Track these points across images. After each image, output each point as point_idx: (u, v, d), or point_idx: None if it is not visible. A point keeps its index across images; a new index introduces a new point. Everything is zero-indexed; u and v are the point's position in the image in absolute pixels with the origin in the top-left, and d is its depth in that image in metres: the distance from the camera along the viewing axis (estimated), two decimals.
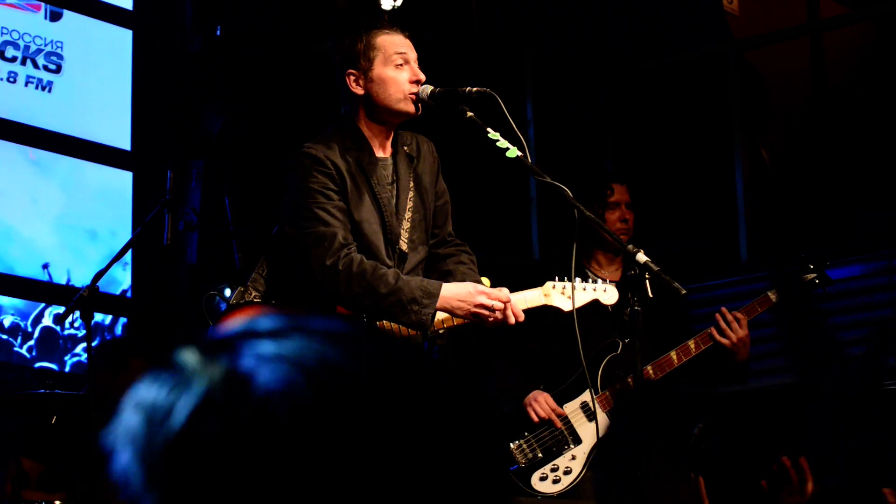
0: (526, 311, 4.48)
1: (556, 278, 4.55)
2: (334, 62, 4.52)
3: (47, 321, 7.80)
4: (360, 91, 4.45)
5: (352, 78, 4.46)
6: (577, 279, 4.56)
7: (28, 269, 7.79)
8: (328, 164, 4.38)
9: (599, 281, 4.65)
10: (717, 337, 5.56)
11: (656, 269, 4.11)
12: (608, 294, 4.77)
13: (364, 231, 4.38)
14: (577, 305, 4.54)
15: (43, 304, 7.82)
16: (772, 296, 5.65)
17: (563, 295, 4.53)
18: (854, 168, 8.57)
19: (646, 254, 4.20)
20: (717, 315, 5.59)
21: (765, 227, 7.99)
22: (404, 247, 4.47)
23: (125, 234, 7.95)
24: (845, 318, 7.28)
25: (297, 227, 4.35)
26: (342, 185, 4.38)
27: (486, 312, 4.27)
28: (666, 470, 5.69)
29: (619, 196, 5.88)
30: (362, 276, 4.24)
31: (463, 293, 4.29)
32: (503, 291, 4.43)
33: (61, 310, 7.62)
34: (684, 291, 4.11)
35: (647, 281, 4.16)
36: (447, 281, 4.49)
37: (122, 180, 8.25)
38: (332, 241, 4.28)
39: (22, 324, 7.69)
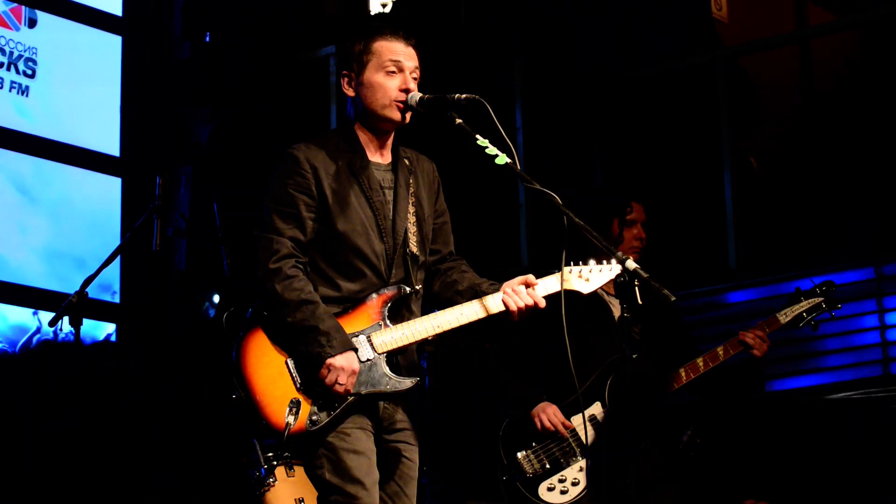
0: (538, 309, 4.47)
1: (572, 262, 4.52)
2: (338, 63, 4.56)
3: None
4: (350, 92, 4.48)
5: (345, 80, 4.50)
6: (592, 261, 4.53)
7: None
8: (306, 167, 4.39)
9: (613, 261, 4.58)
10: (754, 353, 5.65)
11: (646, 275, 4.11)
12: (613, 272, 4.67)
13: (350, 231, 4.38)
14: (594, 287, 4.53)
15: (31, 331, 7.78)
16: (781, 317, 5.71)
17: (580, 278, 4.51)
18: (842, 175, 8.59)
19: (635, 261, 4.20)
20: (746, 339, 5.66)
21: (753, 234, 8.00)
22: (415, 249, 4.48)
23: (114, 271, 7.95)
24: (834, 327, 7.28)
25: (260, 227, 4.40)
26: (321, 186, 4.39)
27: (331, 380, 4.23)
28: (658, 477, 5.71)
29: (636, 214, 5.96)
30: (299, 291, 4.26)
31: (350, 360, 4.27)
32: (529, 277, 4.44)
33: (50, 337, 7.63)
34: (674, 298, 4.11)
35: (637, 288, 4.16)
36: (453, 290, 4.52)
37: (110, 208, 8.22)
38: (282, 247, 4.31)
39: (10, 351, 7.67)
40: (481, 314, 4.41)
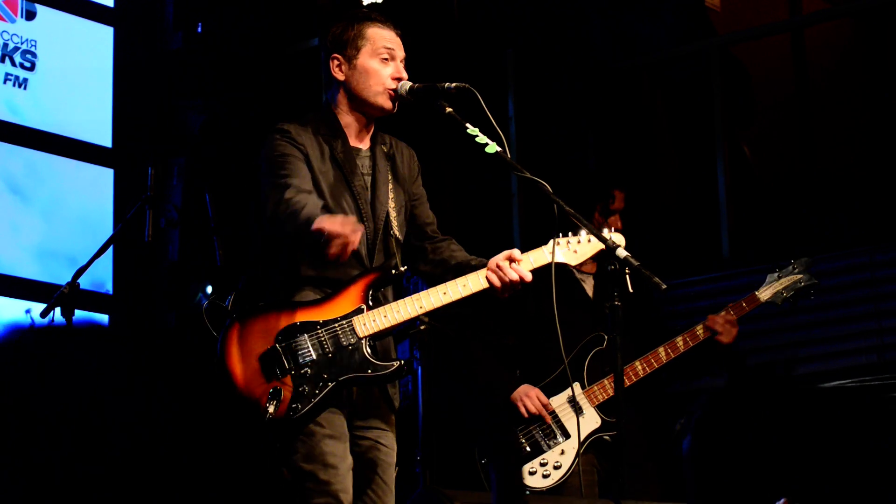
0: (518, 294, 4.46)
1: (560, 234, 4.51)
2: (323, 46, 4.55)
3: None
4: (341, 77, 4.48)
5: (335, 62, 4.49)
6: (583, 231, 4.51)
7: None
8: (297, 139, 4.41)
9: (605, 231, 4.59)
10: (719, 339, 5.65)
11: (636, 263, 4.11)
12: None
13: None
14: (582, 259, 4.52)
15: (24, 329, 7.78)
16: (760, 295, 5.74)
17: (567, 250, 4.50)
18: (836, 163, 8.59)
19: (626, 248, 4.20)
20: (712, 324, 5.67)
21: (747, 222, 8.00)
22: (398, 232, 4.48)
23: (107, 262, 7.93)
24: (828, 314, 7.29)
25: (263, 195, 4.39)
26: (310, 161, 4.39)
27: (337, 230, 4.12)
28: (646, 462, 5.73)
29: (618, 204, 5.96)
30: (290, 202, 4.22)
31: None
32: (513, 252, 4.43)
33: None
34: (665, 286, 4.12)
35: (628, 276, 4.16)
36: (442, 268, 4.52)
37: (103, 206, 8.20)
38: (282, 191, 4.28)
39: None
40: (465, 292, 4.40)
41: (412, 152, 4.67)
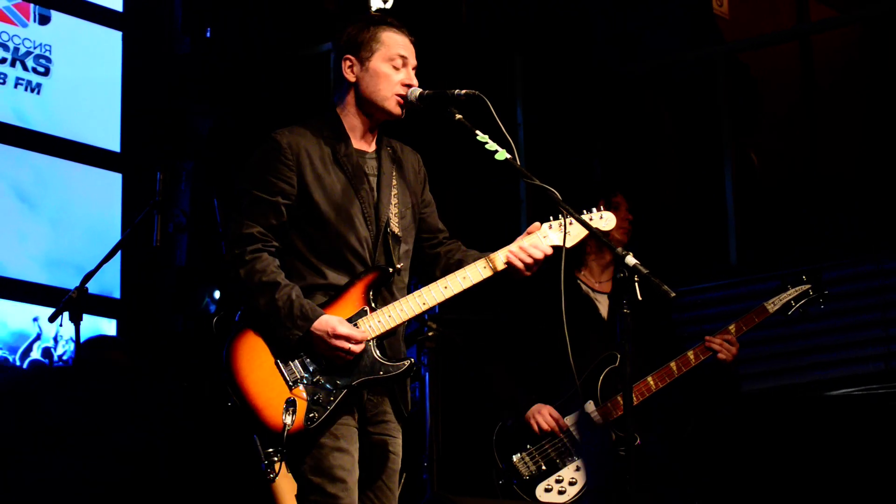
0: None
1: (552, 217, 4.50)
2: (336, 46, 4.52)
3: (35, 355, 7.77)
4: (351, 78, 4.46)
5: (347, 63, 4.46)
6: (583, 214, 4.50)
7: (15, 304, 7.79)
8: (288, 154, 4.37)
9: (594, 210, 4.59)
10: (720, 357, 5.64)
11: (645, 271, 4.10)
12: (605, 221, 4.64)
13: (335, 220, 4.36)
14: (574, 242, 4.49)
15: (31, 338, 7.78)
16: (769, 306, 5.71)
17: (560, 231, 4.48)
18: (843, 170, 8.58)
19: (635, 256, 4.19)
20: (712, 345, 5.66)
21: (754, 230, 7.99)
22: (397, 230, 4.46)
23: (115, 267, 7.94)
24: (835, 322, 7.28)
25: (235, 209, 4.39)
26: (304, 174, 4.37)
27: (343, 345, 4.22)
28: (657, 473, 5.72)
29: (619, 199, 5.96)
30: (261, 273, 4.24)
31: (327, 326, 4.23)
32: (535, 224, 4.47)
33: (50, 343, 7.62)
34: (673, 294, 4.10)
35: (637, 284, 4.15)
36: (455, 269, 4.48)
37: (111, 215, 8.21)
38: (252, 230, 4.29)
39: (10, 357, 7.65)
40: (466, 284, 4.40)
41: (418, 157, 4.65)
